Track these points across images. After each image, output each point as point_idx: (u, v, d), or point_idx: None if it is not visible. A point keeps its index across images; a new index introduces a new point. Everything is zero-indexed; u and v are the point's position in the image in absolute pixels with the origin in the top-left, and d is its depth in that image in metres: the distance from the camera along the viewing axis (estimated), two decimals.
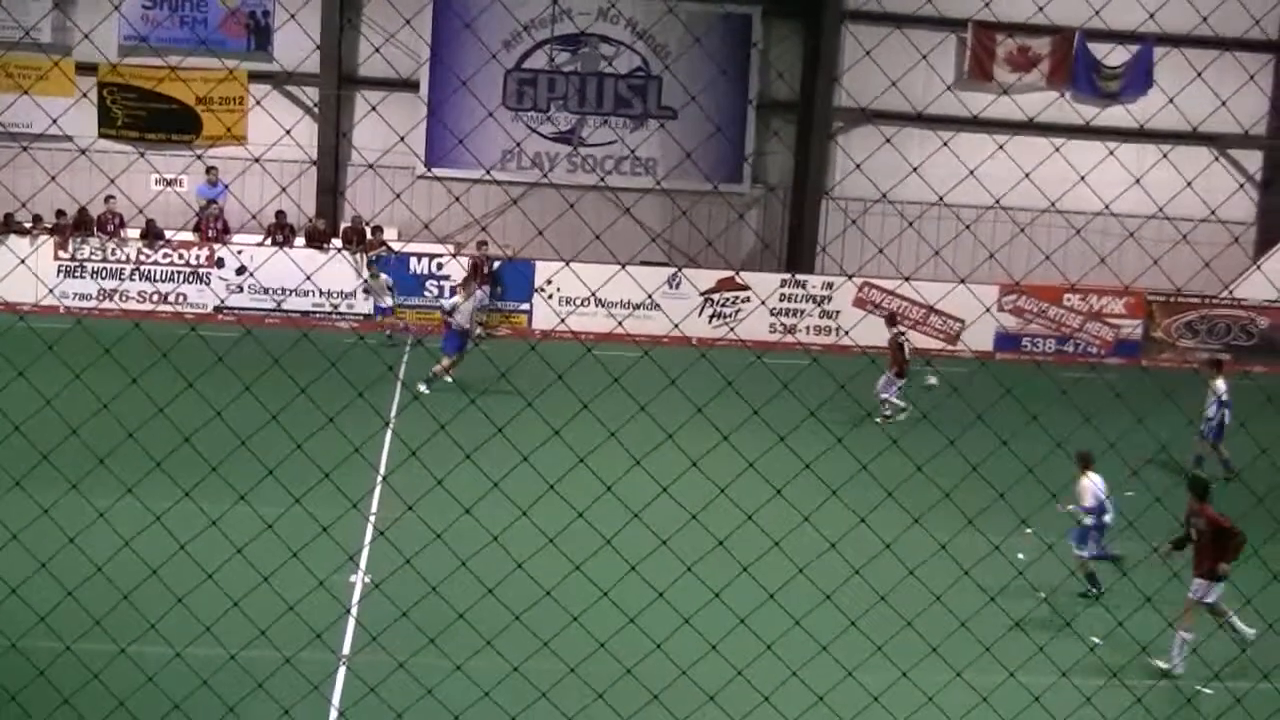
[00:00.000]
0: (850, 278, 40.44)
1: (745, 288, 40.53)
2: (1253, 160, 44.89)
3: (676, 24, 42.01)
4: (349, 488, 15.49)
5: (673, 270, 39.90)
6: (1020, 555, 21.34)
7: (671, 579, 13.43)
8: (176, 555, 14.15)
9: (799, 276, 41.29)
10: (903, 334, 32.64)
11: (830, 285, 40.90)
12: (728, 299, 40.51)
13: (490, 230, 39.41)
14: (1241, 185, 43.71)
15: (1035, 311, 41.83)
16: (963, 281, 37.22)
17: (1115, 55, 43.20)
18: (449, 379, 31.53)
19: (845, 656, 14.04)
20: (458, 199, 37.76)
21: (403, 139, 38.68)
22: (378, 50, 40.74)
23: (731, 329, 39.56)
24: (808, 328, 40.90)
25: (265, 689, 13.33)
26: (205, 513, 12.99)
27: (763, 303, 40.12)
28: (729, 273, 40.73)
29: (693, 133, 41.27)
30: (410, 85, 41.67)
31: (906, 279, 36.99)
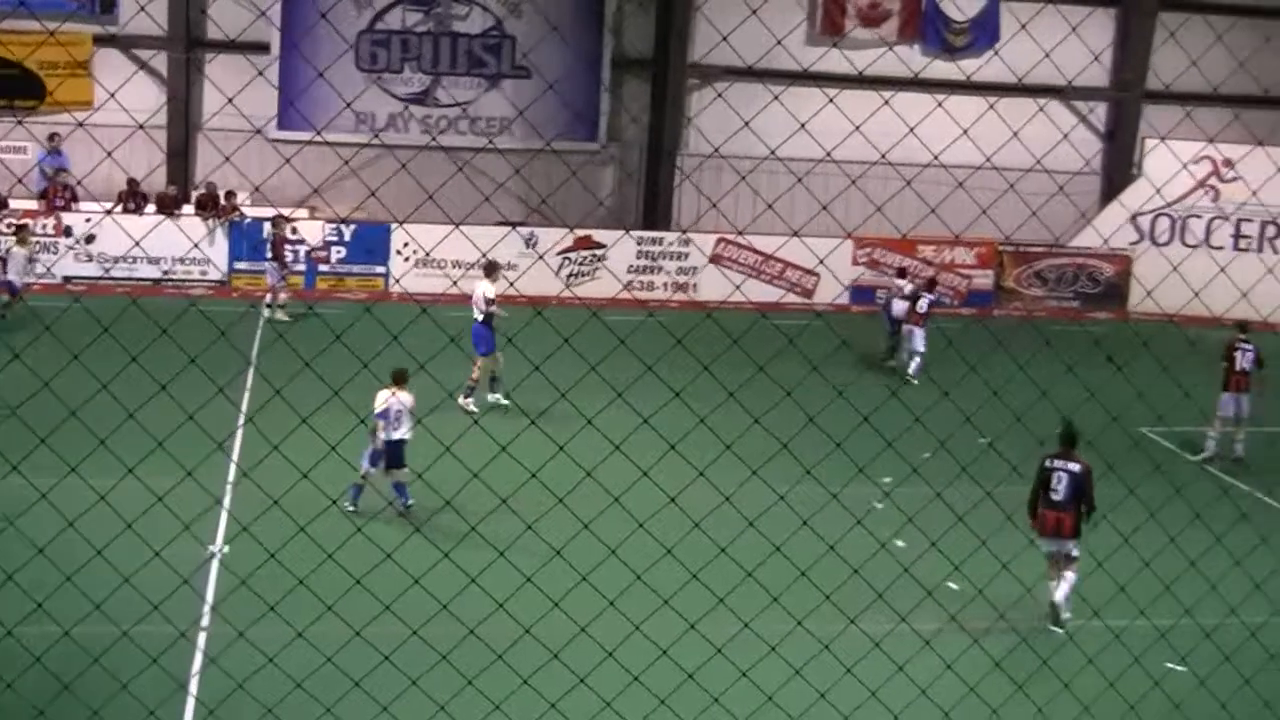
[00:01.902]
0: (674, 229, 40.64)
1: (601, 245, 40.59)
2: (1097, 113, 45.67)
3: None
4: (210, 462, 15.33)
5: (529, 230, 39.87)
6: (877, 504, 21.70)
7: (513, 538, 13.47)
8: (45, 530, 13.94)
9: (655, 233, 41.42)
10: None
11: (688, 242, 41.09)
12: (585, 257, 40.56)
13: (346, 192, 39.14)
14: (1104, 141, 44.45)
15: (889, 264, 42.29)
16: (841, 241, 37.57)
17: (962, 9, 43.70)
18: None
19: (740, 609, 14.21)
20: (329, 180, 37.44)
21: (227, 100, 38.26)
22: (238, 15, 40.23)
23: (629, 287, 39.63)
24: (665, 285, 41.05)
25: (102, 665, 13.25)
26: (33, 487, 12.85)
27: (652, 259, 40.15)
28: (585, 231, 40.77)
29: (549, 92, 41.26)
30: (261, 48, 41.12)
31: (791, 235, 37.31)
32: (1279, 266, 41.57)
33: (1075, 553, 20.02)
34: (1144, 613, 17.14)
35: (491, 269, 29.79)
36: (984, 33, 43.55)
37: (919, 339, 32.78)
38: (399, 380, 22.02)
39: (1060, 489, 19.96)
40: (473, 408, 28.08)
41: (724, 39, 40.88)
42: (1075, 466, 20.00)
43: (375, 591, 14.65)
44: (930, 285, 35.71)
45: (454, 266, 38.95)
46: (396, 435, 22.07)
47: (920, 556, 17.59)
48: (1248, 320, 29.25)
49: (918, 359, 32.21)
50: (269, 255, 36.98)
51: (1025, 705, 14.52)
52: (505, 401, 28.39)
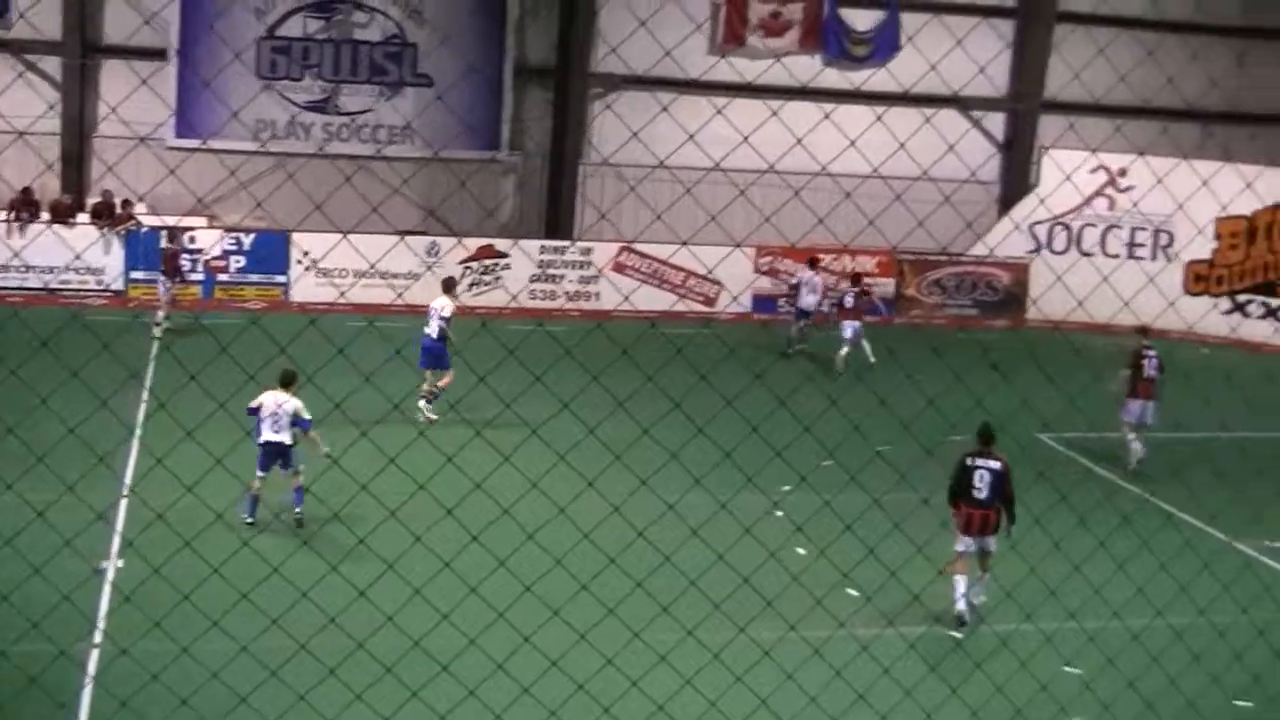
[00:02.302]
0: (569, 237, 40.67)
1: (504, 255, 40.55)
2: (995, 123, 46.08)
3: None
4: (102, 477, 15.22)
5: (431, 239, 39.77)
6: (779, 512, 21.83)
7: (402, 550, 13.47)
8: None
9: (558, 243, 41.43)
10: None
11: (590, 251, 41.11)
12: (486, 266, 40.50)
13: (246, 200, 38.91)
14: (999, 148, 44.82)
15: (791, 273, 42.45)
16: (738, 245, 37.70)
17: (864, 20, 43.98)
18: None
19: (631, 618, 14.25)
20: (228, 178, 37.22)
21: (110, 110, 38.03)
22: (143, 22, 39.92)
23: (515, 297, 39.62)
24: (567, 293, 41.08)
25: None
26: None
27: (542, 269, 40.11)
28: (487, 240, 40.71)
29: (451, 101, 41.25)
30: (158, 54, 40.77)
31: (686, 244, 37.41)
32: (1163, 274, 42.34)
33: (994, 548, 20.16)
34: (1030, 617, 17.33)
35: (449, 285, 29.82)
36: (884, 43, 43.82)
37: (848, 330, 34.95)
38: (285, 383, 21.92)
39: (984, 487, 19.95)
40: (434, 416, 27.83)
41: (613, 49, 41.11)
42: (996, 464, 20.04)
43: (265, 605, 14.60)
44: (855, 280, 37.41)
45: (355, 275, 38.79)
46: (275, 437, 22.01)
47: (811, 564, 17.72)
48: (1148, 326, 29.46)
49: (845, 350, 34.19)
50: (161, 269, 36.47)
51: (915, 711, 14.66)
52: (431, 417, 28.08)
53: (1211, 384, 30.23)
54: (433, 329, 28.43)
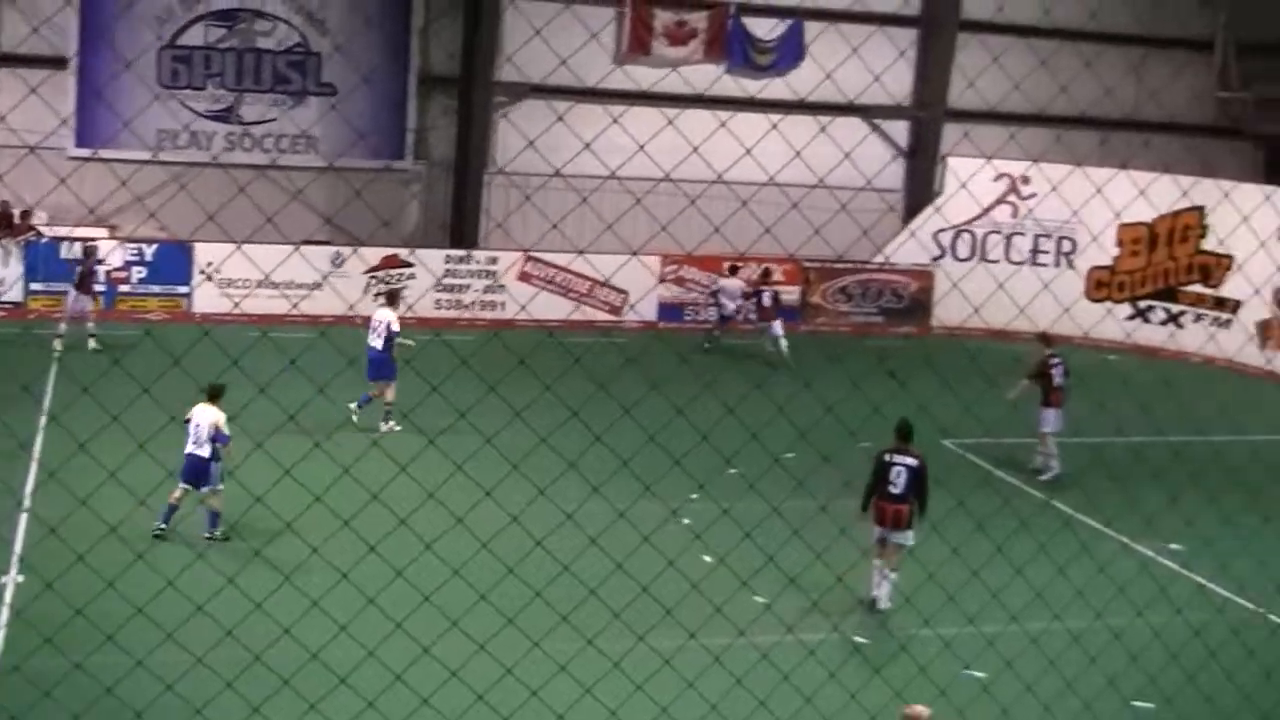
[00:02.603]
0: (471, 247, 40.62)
1: (410, 265, 40.43)
2: (900, 131, 46.35)
3: None
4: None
5: (336, 249, 39.59)
6: (685, 520, 21.91)
7: (299, 562, 13.39)
8: None
9: (464, 252, 41.34)
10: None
11: (495, 260, 41.06)
12: (392, 276, 40.34)
13: (146, 211, 38.56)
14: (895, 157, 45.08)
15: (697, 282, 42.59)
16: (635, 254, 37.76)
17: (769, 30, 44.13)
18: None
19: (530, 628, 14.26)
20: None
21: (0, 118, 37.68)
22: (35, 29, 39.51)
23: (411, 307, 39.46)
24: (474, 303, 40.99)
25: None
26: None
27: (439, 280, 39.98)
28: (394, 250, 40.58)
29: (354, 109, 41.09)
30: (59, 63, 40.36)
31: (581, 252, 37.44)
32: (1065, 281, 42.75)
33: (909, 543, 20.62)
34: (929, 622, 17.49)
35: (393, 298, 30.31)
36: (788, 52, 43.98)
37: (776, 327, 37.26)
38: (212, 396, 21.83)
39: (899, 482, 20.41)
40: (396, 427, 27.59)
41: (508, 58, 41.22)
42: (912, 460, 20.51)
43: (163, 619, 14.47)
44: (765, 279, 39.39)
45: (260, 286, 38.53)
46: (194, 450, 21.85)
47: (712, 571, 17.83)
48: (1050, 334, 29.66)
49: (783, 343, 36.79)
50: (76, 283, 35.98)
51: (815, 718, 14.74)
52: (355, 420, 27.98)
53: (1110, 389, 30.51)
54: (378, 342, 28.61)
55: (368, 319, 28.98)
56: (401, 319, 28.96)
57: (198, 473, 21.83)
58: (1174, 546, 24.08)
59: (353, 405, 27.97)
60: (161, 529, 21.66)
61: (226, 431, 21.60)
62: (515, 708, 13.84)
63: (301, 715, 13.90)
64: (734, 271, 39.46)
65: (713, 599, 14.69)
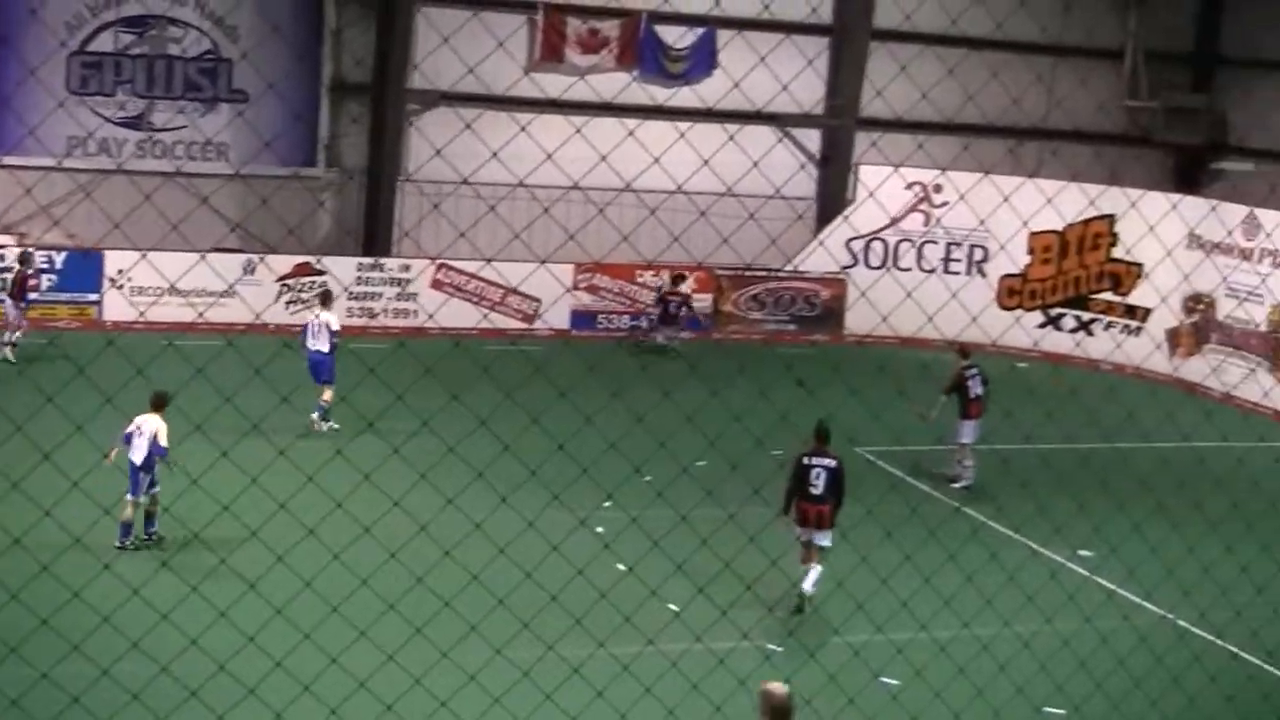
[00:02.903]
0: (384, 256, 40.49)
1: (322, 273, 40.21)
2: (812, 139, 46.50)
3: (247, 6, 41.36)
4: None
5: (248, 257, 39.38)
6: (599, 529, 21.92)
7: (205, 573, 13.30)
8: None
9: (376, 260, 41.18)
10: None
11: (408, 268, 40.92)
12: (305, 284, 40.14)
13: (55, 219, 38.19)
14: (803, 165, 45.25)
15: (610, 289, 42.60)
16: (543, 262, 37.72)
17: (681, 38, 44.17)
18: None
19: (439, 638, 14.20)
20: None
21: None
22: None
23: (313, 310, 39.24)
24: (386, 311, 40.85)
25: None
26: None
27: (346, 289, 39.76)
28: (306, 258, 40.37)
29: (267, 117, 40.80)
30: None
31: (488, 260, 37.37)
32: (977, 289, 43.04)
33: (827, 544, 20.92)
34: (839, 631, 17.55)
35: (327, 299, 30.89)
36: (701, 60, 44.03)
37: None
38: (155, 406, 21.68)
39: (819, 484, 20.81)
40: (335, 426, 27.92)
41: (415, 65, 41.14)
42: (831, 462, 20.91)
43: (66, 630, 14.34)
44: (675, 287, 40.78)
45: (170, 294, 38.21)
46: (134, 458, 21.69)
47: (620, 580, 17.80)
48: (967, 344, 29.81)
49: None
50: (9, 292, 35.50)
51: None
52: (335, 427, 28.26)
53: (1019, 397, 30.77)
54: (321, 343, 28.91)
55: (281, 327, 28.87)
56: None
57: (136, 482, 21.79)
58: (1083, 553, 24.27)
59: (314, 415, 28.18)
60: (118, 546, 21.54)
61: (164, 443, 21.43)
62: (424, 718, 13.79)
63: None
64: (678, 281, 40.60)
65: (623, 608, 14.68)
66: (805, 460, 20.98)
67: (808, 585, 21.02)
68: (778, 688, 11.95)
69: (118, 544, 21.51)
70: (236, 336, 28.14)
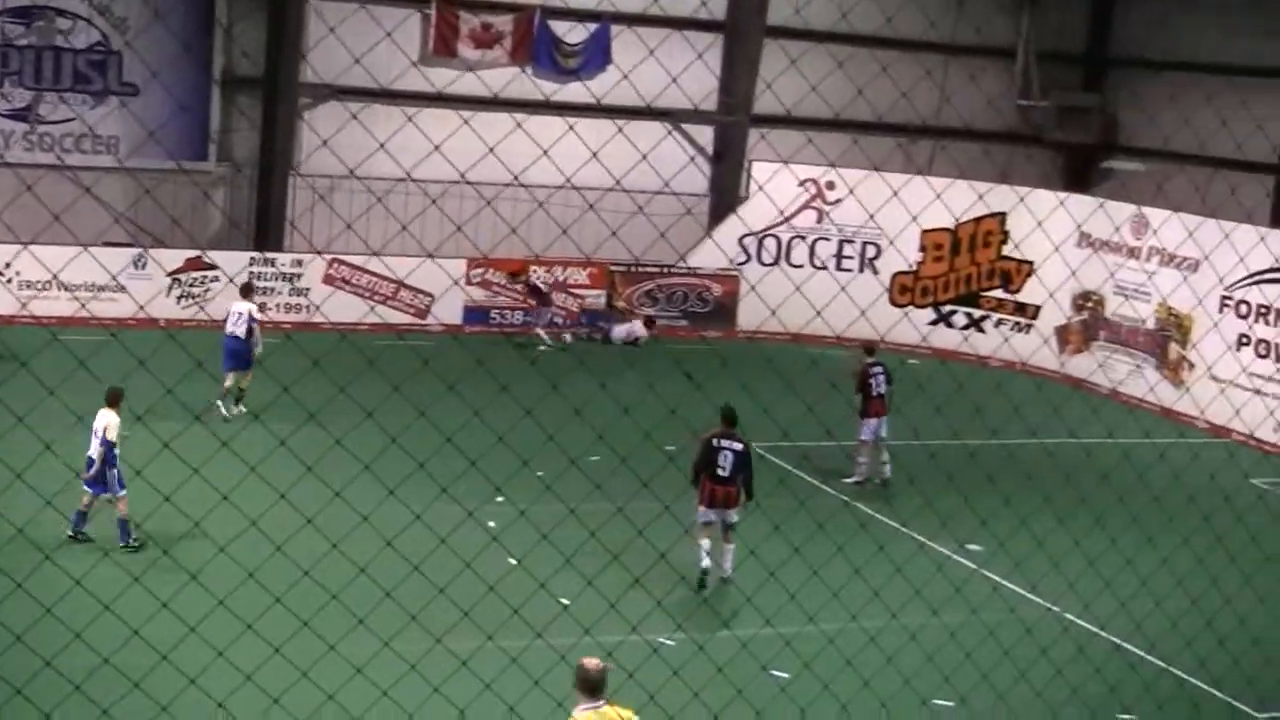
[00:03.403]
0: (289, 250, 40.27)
1: (213, 267, 39.90)
2: (705, 135, 46.62)
3: None
4: None
5: (138, 251, 39.03)
6: (491, 523, 21.90)
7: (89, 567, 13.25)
8: None
9: (268, 254, 40.91)
10: None
11: (300, 262, 40.68)
12: (195, 279, 39.83)
13: None
14: (692, 159, 45.37)
15: (502, 284, 42.54)
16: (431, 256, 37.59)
17: (574, 33, 44.15)
18: None
19: (327, 631, 14.15)
20: None
21: None
22: None
23: (201, 306, 39.08)
24: (278, 305, 40.58)
25: None
26: None
27: (231, 280, 39.46)
28: (196, 252, 40.04)
29: (156, 110, 40.41)
30: None
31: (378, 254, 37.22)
32: (869, 286, 43.31)
33: (736, 519, 22.28)
34: (727, 624, 17.61)
35: (248, 289, 32.01)
36: (595, 56, 44.04)
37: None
38: (110, 401, 21.67)
39: (727, 466, 22.08)
40: (243, 410, 28.30)
41: (303, 57, 40.88)
42: (738, 445, 22.20)
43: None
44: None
45: (59, 288, 37.79)
46: (90, 453, 21.74)
47: (508, 574, 17.82)
48: (873, 342, 30.19)
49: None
50: None
51: None
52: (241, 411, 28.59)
53: (908, 393, 30.98)
54: (240, 329, 29.56)
55: (171, 321, 28.70)
56: (199, 323, 28.85)
57: (94, 478, 21.73)
58: (971, 546, 24.53)
59: (218, 402, 28.46)
60: (70, 534, 21.59)
61: (110, 437, 21.41)
62: (312, 711, 13.75)
63: None
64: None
65: (512, 601, 14.67)
66: (714, 443, 22.22)
67: (727, 567, 22.26)
68: (591, 660, 12.51)
69: (70, 531, 21.58)
70: (126, 331, 27.91)
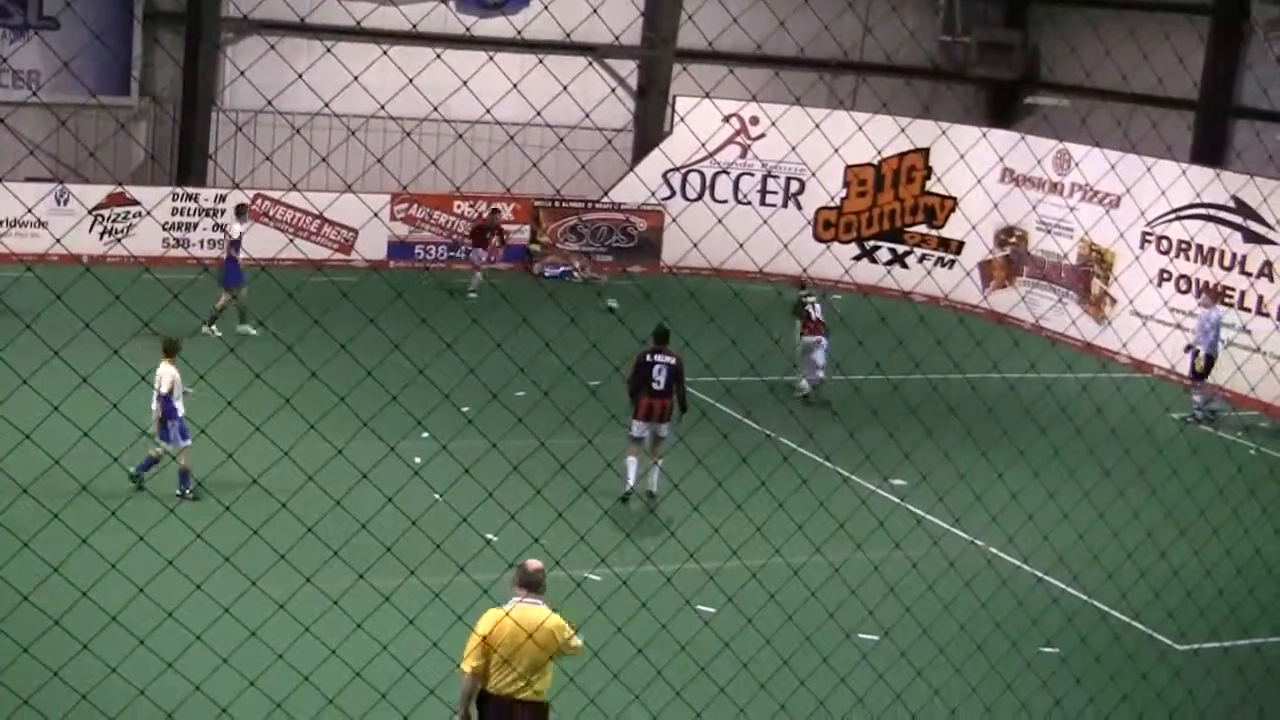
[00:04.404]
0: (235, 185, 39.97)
1: (135, 202, 39.55)
2: (627, 69, 46.48)
3: None
4: None
5: (61, 186, 38.64)
6: (417, 459, 21.89)
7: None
8: None
9: (190, 190, 40.58)
10: None
11: (222, 198, 40.35)
12: (118, 214, 39.47)
13: None
14: (613, 90, 45.22)
15: (426, 219, 42.39)
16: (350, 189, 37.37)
17: None
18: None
19: (246, 567, 14.10)
20: None
21: None
22: None
23: (119, 240, 38.75)
24: (201, 241, 40.30)
25: None
26: None
27: (149, 214, 39.13)
28: (118, 188, 39.68)
29: (77, 45, 39.91)
30: None
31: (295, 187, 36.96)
32: (793, 221, 43.37)
33: (667, 434, 23.95)
34: (650, 558, 17.62)
35: (241, 210, 34.35)
36: None
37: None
38: (166, 352, 21.32)
39: (661, 379, 23.60)
40: (217, 333, 30.09)
41: None
42: (671, 359, 23.70)
43: None
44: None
45: None
46: (152, 406, 21.51)
47: (429, 509, 17.79)
48: (804, 278, 33.11)
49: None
50: None
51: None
52: (254, 331, 29.81)
53: (831, 326, 31.15)
54: (235, 253, 32.20)
55: (94, 258, 28.41)
56: (120, 258, 28.68)
57: (163, 431, 21.47)
58: (895, 481, 24.66)
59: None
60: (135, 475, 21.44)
61: (164, 390, 21.13)
62: (234, 648, 13.69)
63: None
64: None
65: (435, 537, 14.63)
66: (648, 358, 23.62)
67: (653, 485, 23.66)
68: (531, 561, 13.41)
69: (177, 492, 21.29)
70: (48, 267, 27.63)
